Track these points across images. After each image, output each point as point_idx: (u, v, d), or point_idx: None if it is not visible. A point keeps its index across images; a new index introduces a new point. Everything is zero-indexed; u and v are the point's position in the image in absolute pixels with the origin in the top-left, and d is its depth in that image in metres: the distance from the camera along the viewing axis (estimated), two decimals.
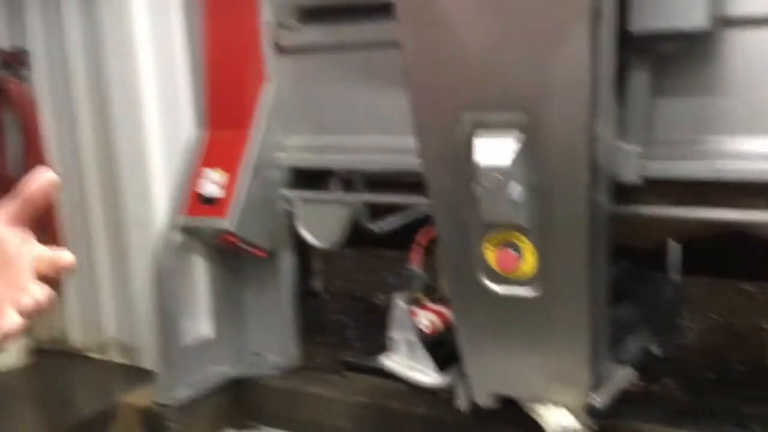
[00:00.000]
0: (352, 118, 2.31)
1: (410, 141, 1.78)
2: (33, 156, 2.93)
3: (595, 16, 1.46)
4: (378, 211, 2.49)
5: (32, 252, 0.79)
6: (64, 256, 0.81)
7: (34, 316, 0.79)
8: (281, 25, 2.37)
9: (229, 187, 2.34)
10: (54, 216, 2.93)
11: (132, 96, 2.63)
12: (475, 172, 1.64)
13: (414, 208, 2.38)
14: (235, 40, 2.42)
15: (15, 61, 2.91)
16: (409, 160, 1.86)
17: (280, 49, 2.39)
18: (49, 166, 2.94)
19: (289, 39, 2.38)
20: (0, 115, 2.99)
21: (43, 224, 2.93)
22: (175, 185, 2.46)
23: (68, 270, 0.82)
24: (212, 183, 2.36)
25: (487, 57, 1.58)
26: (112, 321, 2.99)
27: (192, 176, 2.41)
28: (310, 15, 2.34)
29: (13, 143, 2.98)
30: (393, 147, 2.16)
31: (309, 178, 2.45)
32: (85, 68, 2.81)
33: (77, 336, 3.10)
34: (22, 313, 0.77)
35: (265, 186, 2.39)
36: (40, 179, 0.79)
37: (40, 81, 2.93)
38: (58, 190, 0.81)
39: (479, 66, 1.60)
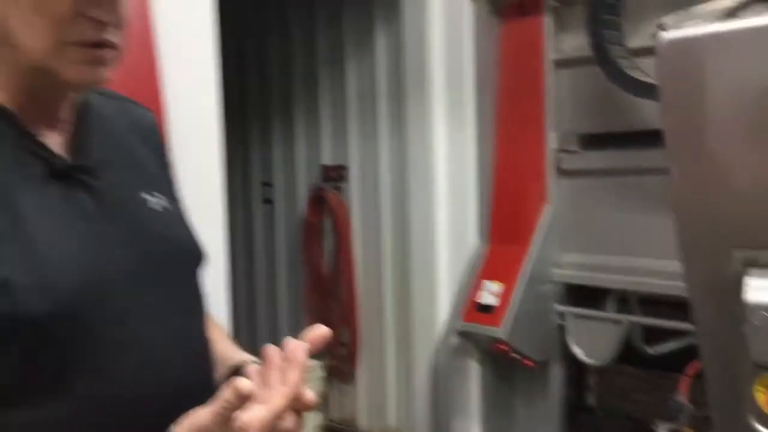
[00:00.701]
0: (628, 240, 2.37)
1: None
2: (343, 255, 3.38)
3: None
4: (653, 331, 2.47)
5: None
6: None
7: None
8: (564, 151, 2.54)
9: (504, 298, 2.51)
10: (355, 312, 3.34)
11: (427, 207, 2.94)
12: (745, 310, 1.62)
13: (693, 334, 2.33)
14: (521, 163, 2.63)
15: (335, 174, 3.42)
16: (677, 285, 1.87)
17: (561, 172, 2.55)
18: (354, 264, 3.38)
19: (570, 163, 2.53)
20: (321, 219, 3.51)
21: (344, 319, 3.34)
22: (457, 292, 2.69)
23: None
24: (490, 293, 2.55)
25: (759, 194, 1.58)
26: (394, 410, 3.26)
27: (472, 285, 2.62)
28: (590, 141, 2.48)
29: (328, 244, 3.47)
30: (667, 271, 2.16)
31: (581, 295, 2.53)
32: (390, 180, 3.20)
33: (364, 420, 3.42)
34: None
35: (539, 299, 2.52)
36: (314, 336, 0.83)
37: (353, 191, 3.39)
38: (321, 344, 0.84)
39: (751, 203, 1.59)
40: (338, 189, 3.43)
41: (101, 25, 0.83)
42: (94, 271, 0.84)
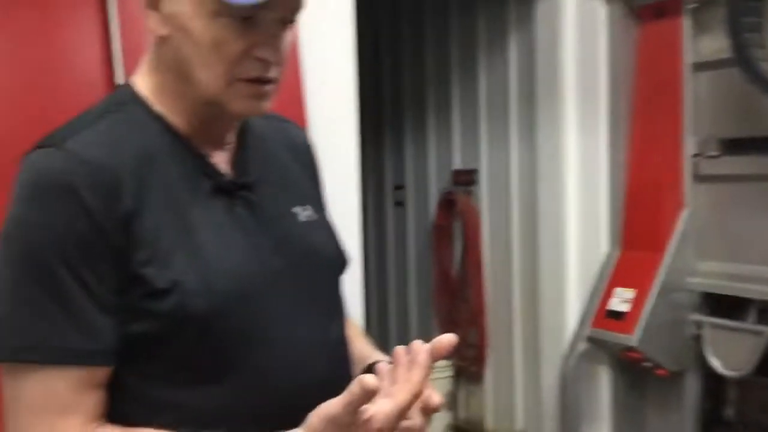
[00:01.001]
0: None
1: None
2: (472, 258, 3.43)
3: None
4: None
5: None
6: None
7: None
8: (702, 155, 2.47)
9: (637, 305, 2.47)
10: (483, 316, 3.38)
11: (557, 212, 2.93)
12: None
13: None
14: (656, 168, 2.58)
15: (466, 178, 3.47)
16: None
17: (699, 178, 2.48)
18: (482, 267, 3.41)
19: (709, 168, 2.46)
20: (450, 223, 3.58)
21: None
22: (587, 297, 2.67)
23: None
24: (622, 300, 2.52)
25: None
26: (521, 413, 3.27)
27: (603, 291, 2.60)
28: (730, 146, 2.40)
29: (457, 247, 3.52)
30: None
31: (719, 304, 2.45)
32: (520, 184, 3.21)
33: (491, 421, 3.45)
34: None
35: (673, 308, 2.46)
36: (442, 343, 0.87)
37: (483, 195, 3.43)
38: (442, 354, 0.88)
39: None
40: (468, 193, 3.47)
41: (266, 63, 0.94)
42: (249, 276, 0.96)
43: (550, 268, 2.97)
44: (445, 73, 3.63)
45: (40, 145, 0.93)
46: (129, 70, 1.93)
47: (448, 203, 3.58)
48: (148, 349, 0.92)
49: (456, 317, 3.55)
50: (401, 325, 4.06)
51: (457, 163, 3.58)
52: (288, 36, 0.96)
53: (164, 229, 0.92)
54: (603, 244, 2.74)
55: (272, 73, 0.95)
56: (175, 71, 0.96)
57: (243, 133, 1.06)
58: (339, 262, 1.11)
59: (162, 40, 0.95)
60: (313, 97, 2.20)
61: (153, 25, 0.95)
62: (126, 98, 0.99)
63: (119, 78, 1.95)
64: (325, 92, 2.24)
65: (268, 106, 0.98)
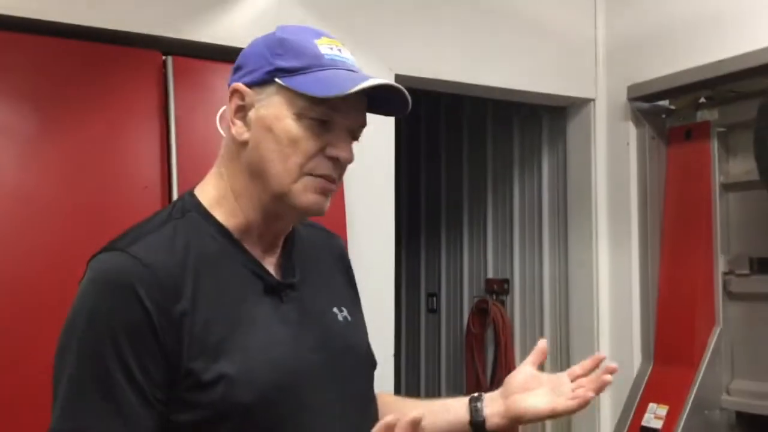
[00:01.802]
0: None
1: None
2: (504, 367, 3.43)
3: None
4: None
5: None
6: None
7: None
8: (733, 273, 2.50)
9: (670, 422, 2.45)
10: None
11: (588, 325, 2.95)
12: None
13: None
14: (688, 284, 2.61)
15: (499, 287, 3.53)
16: None
17: (730, 295, 2.51)
18: None
19: (740, 286, 2.49)
20: (483, 330, 3.61)
21: None
22: (620, 413, 2.66)
23: None
24: (655, 416, 2.50)
25: None
26: None
27: (636, 408, 2.59)
28: (761, 264, 2.43)
29: (489, 355, 3.53)
30: None
31: (754, 423, 2.42)
32: (552, 297, 3.25)
33: None
34: None
35: (707, 427, 2.44)
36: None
37: (516, 305, 3.47)
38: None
39: None
40: (501, 302, 3.52)
41: (335, 163, 1.06)
42: (291, 369, 1.03)
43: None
44: (481, 185, 3.75)
45: (106, 249, 1.03)
46: (183, 177, 2.09)
47: (481, 311, 3.62)
48: None
49: None
50: None
51: (491, 273, 3.64)
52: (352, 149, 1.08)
53: (215, 325, 1.00)
54: (636, 358, 2.75)
55: (337, 172, 1.07)
56: (248, 172, 1.07)
57: (290, 238, 1.16)
58: (370, 362, 1.20)
59: (242, 145, 1.07)
60: (353, 207, 2.32)
61: (237, 132, 1.07)
62: (188, 206, 1.09)
63: (175, 184, 2.10)
64: (365, 202, 2.36)
65: (327, 206, 1.08)
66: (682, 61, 2.56)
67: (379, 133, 2.48)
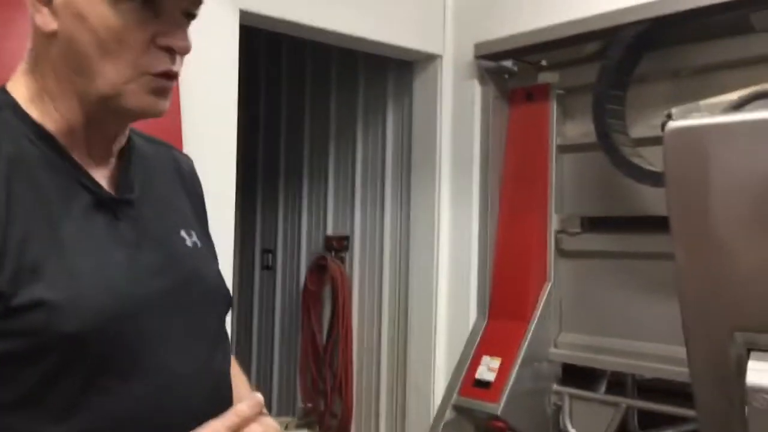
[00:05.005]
0: (627, 323, 2.40)
1: (682, 352, 1.83)
2: (341, 325, 3.40)
3: None
4: (649, 417, 2.48)
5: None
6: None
7: None
8: (565, 232, 2.60)
9: (502, 375, 2.52)
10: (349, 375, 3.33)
11: (428, 280, 2.98)
12: (747, 393, 1.65)
13: (687, 421, 2.34)
14: (523, 242, 2.69)
15: (338, 244, 3.47)
16: (682, 371, 1.90)
17: (562, 253, 2.61)
18: (351, 334, 3.39)
19: (572, 244, 2.59)
20: (321, 289, 3.55)
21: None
22: (455, 366, 2.70)
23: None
24: (488, 369, 2.57)
25: (760, 278, 1.63)
26: None
27: (471, 361, 2.64)
28: (591, 224, 2.54)
29: (326, 314, 3.48)
30: (666, 356, 2.20)
31: (580, 376, 2.54)
32: (392, 252, 3.25)
33: None
34: None
35: (536, 378, 2.53)
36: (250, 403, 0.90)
37: (356, 262, 3.44)
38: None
39: (753, 287, 1.64)
40: (341, 259, 3.47)
41: (172, 55, 0.91)
42: (126, 295, 0.89)
43: (419, 335, 3.00)
44: (322, 138, 3.67)
45: None
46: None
47: (319, 268, 3.55)
48: (3, 373, 0.83)
49: (322, 385, 3.48)
50: (265, 393, 3.92)
51: (331, 229, 3.58)
52: (189, 30, 0.93)
53: (32, 242, 0.84)
54: (472, 313, 2.80)
55: (177, 66, 0.92)
56: (63, 70, 0.90)
57: (127, 152, 1.01)
58: (223, 295, 1.06)
59: (50, 37, 0.89)
60: (191, 148, 2.14)
61: (41, 21, 0.89)
62: (1, 104, 0.92)
63: None
64: (205, 144, 2.19)
65: (167, 105, 0.93)
66: (528, 21, 2.59)
67: (220, 73, 2.32)
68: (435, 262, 2.95)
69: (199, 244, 1.04)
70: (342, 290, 3.41)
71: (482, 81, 2.83)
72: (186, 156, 1.18)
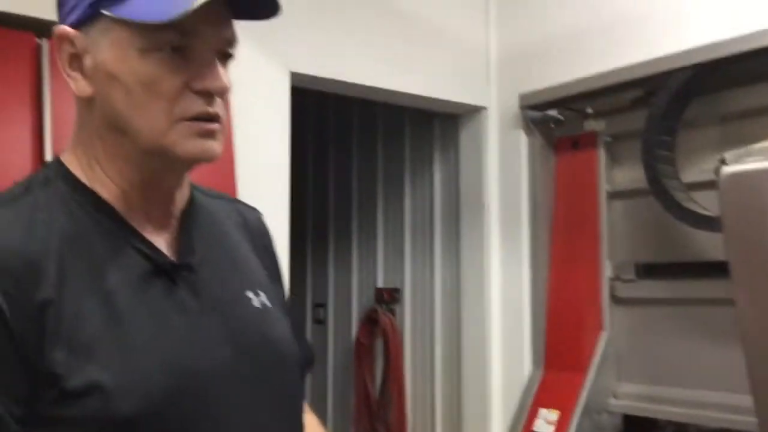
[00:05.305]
0: (688, 371, 2.35)
1: (748, 400, 1.79)
2: (394, 379, 3.38)
3: None
4: None
5: None
6: None
7: None
8: (620, 279, 2.57)
9: (561, 427, 2.47)
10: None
11: (480, 333, 2.95)
12: None
13: None
14: (576, 290, 2.66)
15: (389, 297, 3.48)
16: (745, 420, 1.85)
17: (617, 300, 2.58)
18: (404, 388, 3.36)
19: (626, 291, 2.56)
20: (373, 341, 3.54)
21: None
22: (511, 419, 2.66)
23: None
24: (546, 421, 2.52)
25: None
26: None
27: (528, 412, 2.60)
28: (646, 270, 2.51)
29: (378, 367, 3.48)
30: (729, 405, 2.14)
31: (642, 427, 2.48)
32: (443, 304, 3.24)
33: None
34: None
35: (595, 429, 2.48)
36: None
37: (407, 314, 3.43)
38: None
39: None
40: (392, 311, 3.47)
41: (208, 97, 0.86)
42: (185, 371, 0.84)
43: (473, 388, 2.96)
44: (370, 193, 3.71)
45: None
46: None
47: (370, 321, 3.56)
48: None
49: None
50: None
51: (381, 282, 3.59)
52: (227, 70, 0.89)
53: (87, 318, 0.80)
54: (526, 365, 2.77)
55: (216, 108, 0.87)
56: (106, 133, 0.88)
57: (188, 210, 0.96)
58: (295, 356, 0.99)
59: (88, 102, 0.88)
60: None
61: (76, 87, 0.88)
62: (52, 174, 0.89)
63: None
64: (259, 201, 2.24)
65: (219, 148, 0.88)
66: (573, 70, 2.61)
67: (273, 131, 2.39)
68: (487, 312, 2.93)
69: (268, 304, 0.98)
70: (394, 343, 3.40)
71: (528, 131, 2.85)
72: (253, 209, 1.12)
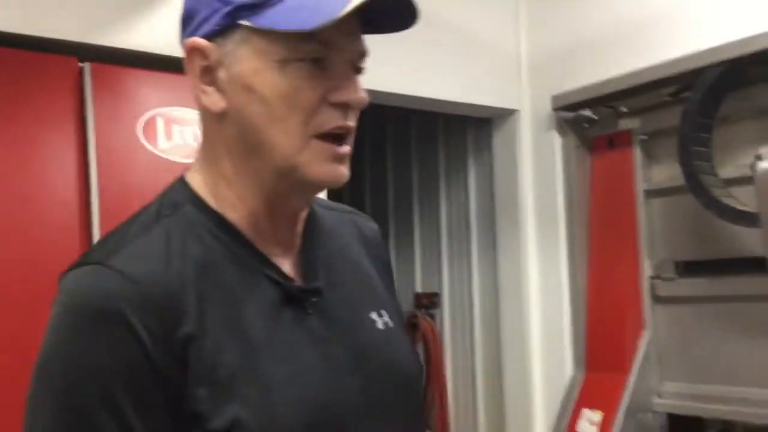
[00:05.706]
0: (732, 368, 2.33)
1: None
2: (435, 382, 3.40)
3: None
4: None
5: None
6: None
7: None
8: (660, 278, 2.56)
9: (605, 428, 2.47)
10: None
11: (520, 335, 2.96)
12: None
13: None
14: (616, 290, 2.65)
15: (428, 301, 3.50)
16: None
17: (658, 299, 2.56)
18: (446, 392, 3.38)
19: (667, 290, 2.54)
20: (414, 346, 3.56)
21: None
22: (554, 420, 2.66)
23: None
24: (590, 422, 2.52)
25: None
26: None
27: (571, 413, 2.60)
28: (686, 268, 2.50)
29: None
30: None
31: (687, 426, 2.47)
32: (482, 308, 3.25)
33: None
34: None
35: (640, 429, 2.46)
36: None
37: (446, 318, 3.45)
38: None
39: None
40: (431, 316, 3.49)
41: (344, 110, 0.83)
42: (322, 405, 0.81)
43: (515, 390, 2.96)
44: (406, 198, 3.73)
45: (80, 262, 0.80)
46: (102, 190, 1.96)
47: (410, 326, 3.58)
48: None
49: None
50: None
51: (419, 287, 3.61)
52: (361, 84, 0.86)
53: (226, 353, 0.77)
54: (568, 366, 2.77)
55: (351, 121, 0.84)
56: (237, 151, 0.83)
57: (309, 228, 0.92)
58: (416, 376, 0.96)
59: (220, 118, 0.83)
60: None
61: (208, 102, 0.83)
62: (181, 198, 0.85)
63: (94, 198, 1.97)
64: None
65: (348, 172, 0.85)
66: (604, 70, 2.61)
67: None
68: (526, 314, 2.93)
69: (390, 323, 0.93)
70: (434, 347, 3.42)
71: (561, 132, 2.85)
72: (368, 219, 1.07)
